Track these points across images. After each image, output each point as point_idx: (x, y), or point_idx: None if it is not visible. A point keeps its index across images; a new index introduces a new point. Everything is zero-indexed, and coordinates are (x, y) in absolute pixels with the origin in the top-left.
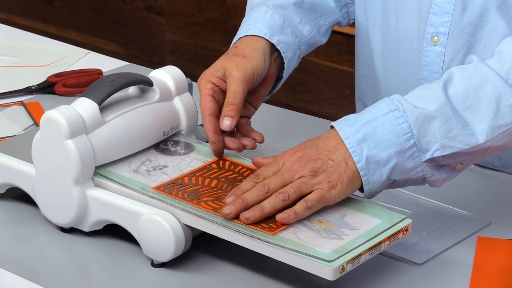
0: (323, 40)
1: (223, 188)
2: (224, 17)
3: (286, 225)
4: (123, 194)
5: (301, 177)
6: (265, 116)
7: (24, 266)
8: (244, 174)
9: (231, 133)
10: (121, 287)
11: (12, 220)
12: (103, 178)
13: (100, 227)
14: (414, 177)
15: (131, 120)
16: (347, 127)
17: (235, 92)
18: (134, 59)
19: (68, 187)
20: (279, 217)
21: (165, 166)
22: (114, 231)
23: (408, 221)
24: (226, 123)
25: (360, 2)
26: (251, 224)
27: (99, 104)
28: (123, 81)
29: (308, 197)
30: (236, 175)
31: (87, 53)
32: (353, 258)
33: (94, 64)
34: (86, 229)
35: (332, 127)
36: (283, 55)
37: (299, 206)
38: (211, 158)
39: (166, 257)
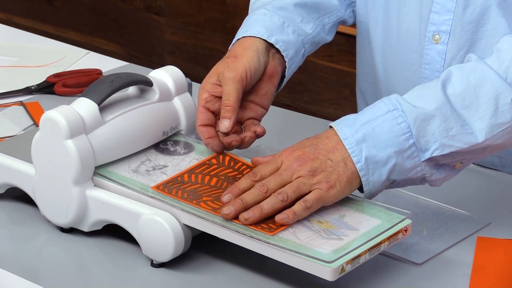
0: (329, 38)
1: (223, 187)
2: (224, 17)
3: (285, 225)
4: (122, 194)
5: (299, 176)
6: (265, 116)
7: (24, 266)
8: (244, 172)
9: (236, 134)
10: (121, 287)
11: (12, 220)
12: (103, 178)
13: (99, 227)
14: (413, 177)
15: (131, 120)
16: (346, 128)
17: (228, 93)
18: (133, 59)
19: (68, 187)
20: (279, 218)
21: (165, 166)
22: (114, 231)
23: (407, 222)
24: (224, 124)
25: (361, 1)
26: (250, 224)
27: (98, 104)
28: (122, 81)
29: (307, 197)
30: (235, 172)
31: (86, 53)
32: (353, 259)
33: (93, 64)
34: (85, 229)
35: (331, 127)
36: (283, 54)
37: (298, 207)
38: None
39: (165, 257)
